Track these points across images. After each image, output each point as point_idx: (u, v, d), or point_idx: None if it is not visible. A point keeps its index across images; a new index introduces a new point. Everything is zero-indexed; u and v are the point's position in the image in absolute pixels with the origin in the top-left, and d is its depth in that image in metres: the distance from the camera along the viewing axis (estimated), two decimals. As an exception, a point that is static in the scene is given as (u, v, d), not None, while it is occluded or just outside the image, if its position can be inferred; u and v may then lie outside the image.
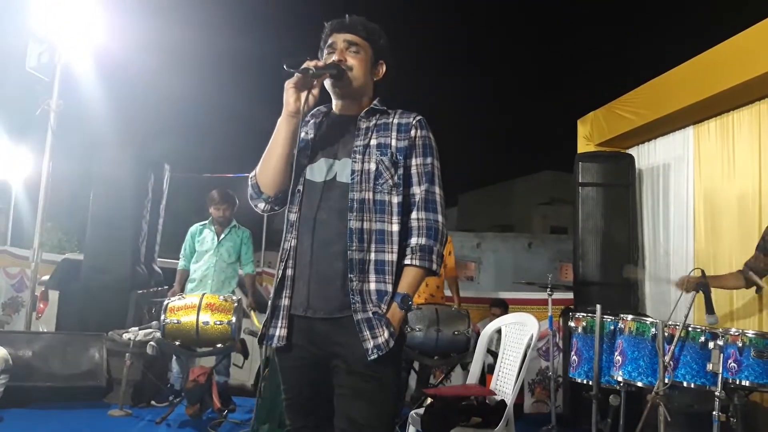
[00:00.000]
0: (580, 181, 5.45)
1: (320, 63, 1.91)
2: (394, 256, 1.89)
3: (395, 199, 1.91)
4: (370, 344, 1.80)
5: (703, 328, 3.20)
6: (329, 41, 2.01)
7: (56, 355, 5.09)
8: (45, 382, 4.92)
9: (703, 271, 3.31)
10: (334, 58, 1.95)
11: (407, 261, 1.90)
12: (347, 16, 2.02)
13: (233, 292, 5.15)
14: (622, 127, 5.43)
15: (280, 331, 1.89)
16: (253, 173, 2.00)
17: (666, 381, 3.09)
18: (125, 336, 5.08)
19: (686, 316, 3.16)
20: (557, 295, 5.10)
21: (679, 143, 5.19)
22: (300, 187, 1.94)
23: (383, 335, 1.81)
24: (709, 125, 4.88)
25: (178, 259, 5.42)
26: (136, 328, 5.23)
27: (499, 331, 3.71)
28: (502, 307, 5.93)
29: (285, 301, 1.89)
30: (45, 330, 6.13)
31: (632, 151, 5.68)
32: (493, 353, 4.25)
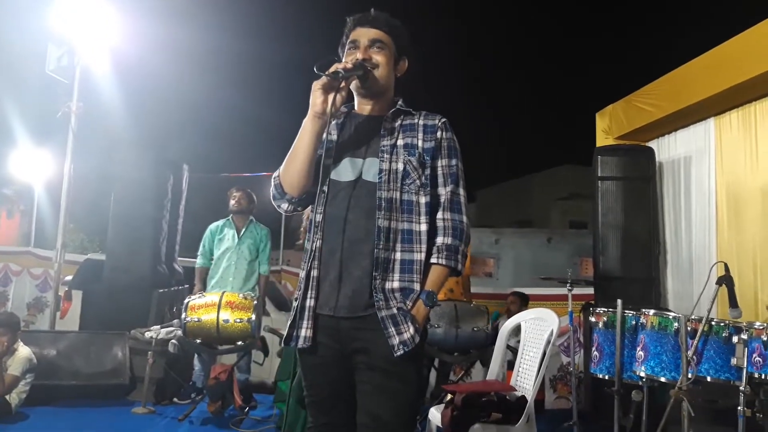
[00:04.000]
0: (599, 175, 5.39)
1: (348, 65, 1.90)
2: (423, 255, 1.91)
3: (423, 199, 1.93)
4: (395, 340, 1.81)
5: (727, 322, 3.16)
6: (351, 36, 2.01)
7: (80, 354, 5.18)
8: (69, 381, 5.01)
9: (726, 266, 3.27)
10: (359, 55, 1.95)
11: (433, 260, 1.92)
12: (371, 10, 2.02)
13: (254, 289, 5.18)
14: (641, 119, 5.37)
15: (306, 331, 1.89)
16: (276, 173, 2.00)
17: (689, 376, 3.06)
18: (147, 334, 5.14)
19: (709, 310, 3.12)
20: (577, 291, 5.04)
21: (700, 135, 5.12)
22: (325, 188, 1.94)
23: (408, 331, 1.83)
24: (730, 116, 4.81)
25: (196, 257, 5.45)
26: (158, 327, 5.29)
27: (518, 327, 3.69)
28: (521, 297, 5.89)
29: (310, 302, 1.90)
30: (69, 329, 6.22)
31: (652, 144, 5.61)
32: (513, 349, 4.23)
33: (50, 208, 12.36)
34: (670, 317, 3.30)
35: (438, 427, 3.25)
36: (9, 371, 4.41)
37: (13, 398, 4.40)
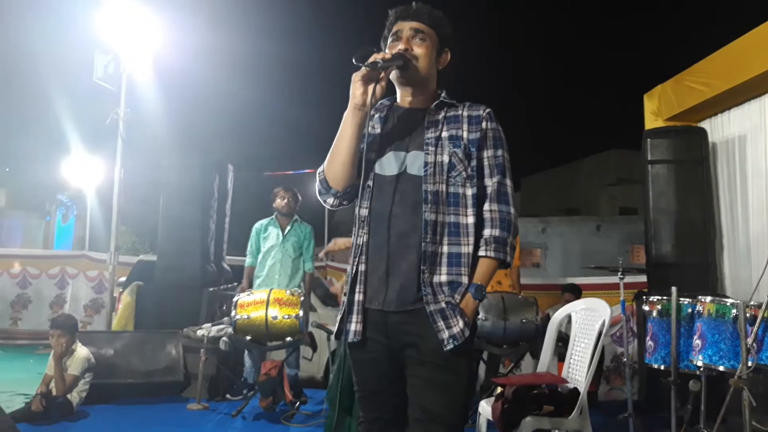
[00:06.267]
0: (649, 158, 5.24)
1: (387, 55, 1.89)
2: (470, 248, 1.89)
3: (469, 191, 1.91)
4: (445, 334, 1.80)
5: (790, 307, 3.02)
6: (394, 29, 1.99)
7: (136, 353, 5.33)
8: (126, 379, 5.17)
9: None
10: (400, 46, 1.94)
11: (481, 252, 1.89)
12: (413, 3, 2.00)
13: (299, 286, 5.23)
14: (692, 99, 5.18)
15: (355, 326, 1.89)
16: (320, 168, 2.00)
17: (749, 364, 2.95)
18: (199, 332, 5.25)
19: (770, 296, 2.99)
20: (629, 279, 4.91)
21: (755, 113, 4.91)
22: (370, 182, 1.94)
23: (458, 325, 1.81)
24: (787, 92, 4.60)
25: (244, 256, 5.55)
26: (209, 325, 5.40)
27: (569, 318, 3.61)
28: (575, 292, 5.78)
29: (359, 296, 1.90)
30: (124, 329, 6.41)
31: (704, 125, 5.41)
32: (564, 340, 4.15)
33: (103, 212, 12.77)
34: (728, 304, 3.19)
35: (489, 420, 3.22)
36: (69, 371, 4.57)
37: (74, 397, 4.56)
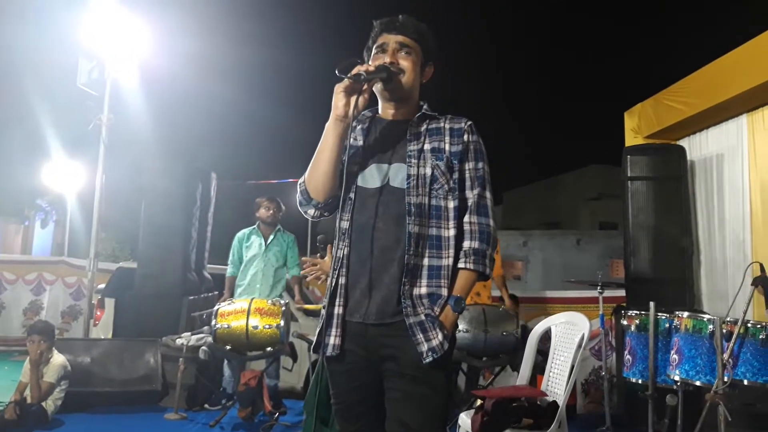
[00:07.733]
0: (628, 175, 5.31)
1: (371, 67, 1.88)
2: (450, 261, 1.89)
3: (451, 204, 1.92)
4: (424, 347, 1.79)
5: (764, 324, 3.08)
6: (379, 41, 1.99)
7: (114, 361, 5.26)
8: (103, 388, 5.10)
9: (762, 266, 3.19)
10: (386, 59, 1.93)
11: (461, 264, 1.90)
12: (399, 16, 2.00)
13: (281, 296, 5.22)
14: (671, 117, 5.27)
15: (334, 339, 1.88)
16: (302, 179, 1.99)
17: (725, 379, 2.99)
18: (178, 341, 5.20)
19: (745, 312, 3.05)
20: (608, 293, 4.97)
21: (733, 132, 5.01)
22: (351, 195, 1.93)
23: (437, 338, 1.81)
24: (763, 113, 4.70)
25: (225, 265, 5.52)
26: (189, 334, 5.34)
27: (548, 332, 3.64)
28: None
29: (338, 310, 1.89)
30: (102, 337, 6.33)
31: (683, 143, 5.51)
32: (543, 353, 4.18)
33: (83, 218, 12.58)
34: (705, 319, 3.24)
35: (468, 432, 3.22)
36: (44, 378, 4.50)
37: (49, 405, 4.49)
